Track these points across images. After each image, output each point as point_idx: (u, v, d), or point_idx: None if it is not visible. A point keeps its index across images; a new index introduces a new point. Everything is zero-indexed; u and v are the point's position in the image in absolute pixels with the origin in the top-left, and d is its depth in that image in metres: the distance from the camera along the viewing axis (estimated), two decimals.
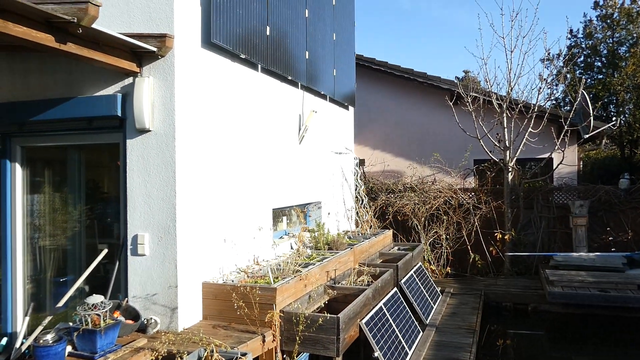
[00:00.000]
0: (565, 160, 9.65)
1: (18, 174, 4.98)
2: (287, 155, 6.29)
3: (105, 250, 4.48)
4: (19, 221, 5.01)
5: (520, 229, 9.59)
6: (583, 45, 17.97)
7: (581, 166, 11.73)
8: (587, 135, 9.59)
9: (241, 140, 5.21)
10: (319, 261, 5.56)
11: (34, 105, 4.55)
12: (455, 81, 11.30)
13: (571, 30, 18.46)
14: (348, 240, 7.16)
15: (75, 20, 3.31)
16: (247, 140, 5.32)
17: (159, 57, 4.21)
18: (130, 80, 4.31)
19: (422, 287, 7.33)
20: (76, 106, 4.41)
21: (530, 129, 9.27)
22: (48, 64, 4.58)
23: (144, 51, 4.14)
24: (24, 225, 5.04)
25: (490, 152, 9.50)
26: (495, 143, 9.53)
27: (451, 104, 10.10)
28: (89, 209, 5.01)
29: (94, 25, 3.44)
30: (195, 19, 4.48)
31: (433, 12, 52.32)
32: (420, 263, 8.23)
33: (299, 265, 5.22)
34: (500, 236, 9.23)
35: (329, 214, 7.71)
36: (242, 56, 5.08)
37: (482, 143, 9.48)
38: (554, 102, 17.47)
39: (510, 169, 9.47)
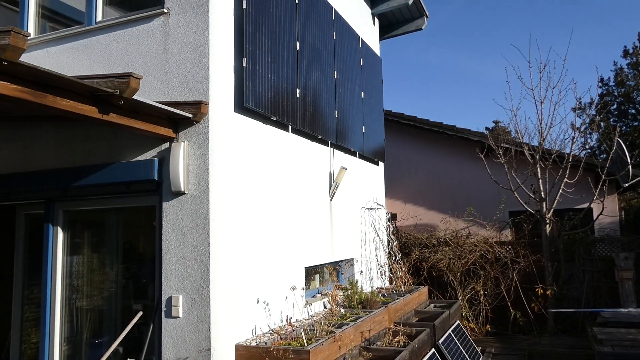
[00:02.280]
0: (606, 211, 9.35)
1: (59, 237, 5.15)
2: (318, 212, 6.32)
3: (141, 313, 4.52)
4: (58, 282, 5.13)
5: (562, 283, 9.20)
6: (615, 93, 17.79)
7: (623, 216, 11.32)
8: (627, 184, 9.31)
9: (273, 199, 5.28)
10: (352, 321, 5.44)
11: (77, 171, 4.76)
12: (485, 132, 11.29)
13: (602, 79, 18.38)
14: (382, 298, 7.01)
15: (118, 93, 3.52)
16: (279, 199, 5.39)
17: (195, 122, 4.39)
18: (166, 145, 4.48)
19: (461, 348, 7.03)
20: (116, 171, 4.60)
21: (565, 179, 9.08)
22: (91, 132, 4.83)
23: (180, 117, 4.33)
24: (63, 287, 5.16)
25: (525, 203, 9.31)
26: (530, 195, 9.34)
27: (482, 156, 10.04)
28: (125, 270, 5.10)
29: (134, 96, 3.64)
30: (229, 85, 4.68)
31: (460, 66, 53.06)
32: (458, 321, 7.93)
33: (333, 326, 5.12)
34: (542, 291, 8.85)
35: (361, 272, 7.60)
36: (274, 118, 5.24)
37: (516, 195, 9.31)
38: (589, 151, 17.15)
39: (547, 221, 9.22)
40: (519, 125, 9.86)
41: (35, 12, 5.70)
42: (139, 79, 3.56)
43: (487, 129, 26.12)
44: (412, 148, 12.22)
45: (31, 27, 5.61)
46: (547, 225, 9.23)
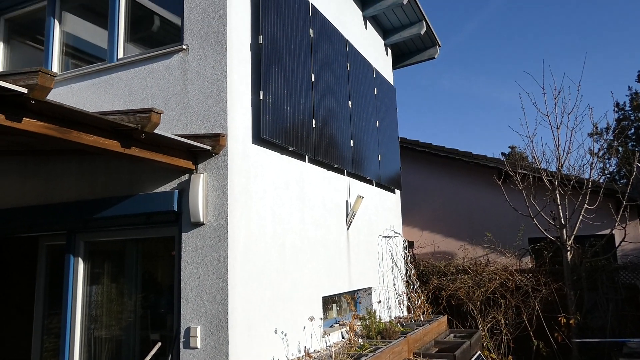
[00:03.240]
0: (628, 237, 9.15)
1: (80, 267, 5.22)
2: (335, 241, 6.32)
3: (159, 344, 4.53)
4: (78, 312, 5.18)
5: (585, 312, 8.96)
6: (632, 118, 17.64)
7: None
8: None
9: (291, 228, 5.31)
10: (371, 352, 5.37)
11: (98, 203, 4.86)
12: (502, 158, 11.24)
13: (617, 104, 18.27)
14: (401, 328, 6.90)
15: (140, 127, 3.62)
16: (296, 229, 5.41)
17: (213, 154, 4.47)
18: (186, 177, 4.57)
19: None
20: (136, 203, 4.69)
21: (586, 205, 8.95)
22: (112, 165, 4.95)
23: (200, 150, 4.42)
24: (83, 317, 5.20)
25: (545, 230, 9.17)
26: (550, 221, 9.21)
27: (499, 182, 9.98)
28: (144, 300, 5.13)
29: (155, 130, 3.74)
30: (246, 117, 4.78)
31: (474, 92, 53.24)
32: (479, 351, 7.75)
33: (351, 357, 5.05)
34: (565, 321, 8.63)
35: (379, 301, 7.53)
36: (290, 149, 5.31)
37: (535, 221, 9.19)
38: (608, 176, 16.92)
39: (568, 248, 9.05)
40: (536, 151, 9.78)
41: (60, 50, 5.93)
42: (160, 113, 3.66)
43: (503, 154, 26.01)
44: (428, 175, 12.20)
45: (55, 64, 5.82)
46: (568, 253, 9.06)
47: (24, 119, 3.10)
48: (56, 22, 5.90)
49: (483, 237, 10.44)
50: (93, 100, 5.28)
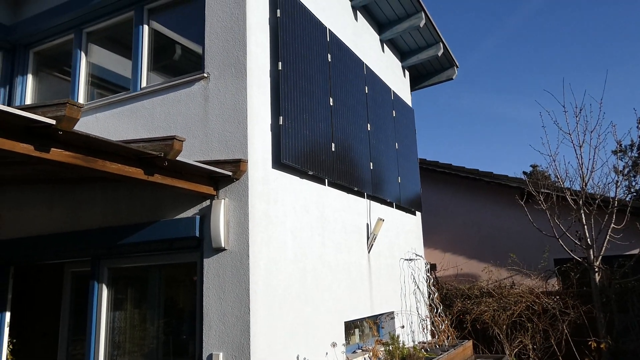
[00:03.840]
0: None
1: (104, 293, 5.27)
2: (357, 265, 6.27)
3: None
4: (102, 338, 5.21)
5: (616, 335, 8.66)
6: None
7: None
8: None
9: (311, 253, 5.29)
10: None
11: (122, 229, 4.93)
12: (524, 178, 11.09)
13: None
14: (425, 353, 6.76)
15: (162, 155, 3.69)
16: (317, 253, 5.40)
17: (234, 180, 4.52)
18: (207, 202, 4.61)
19: None
20: (159, 229, 4.74)
21: (612, 225, 8.74)
22: (136, 192, 5.03)
23: (221, 175, 4.47)
24: (106, 342, 5.23)
25: (571, 251, 8.96)
26: (576, 242, 9.00)
27: (522, 202, 9.82)
28: (166, 326, 5.14)
29: (177, 157, 3.80)
30: (266, 142, 4.83)
31: (493, 110, 52.93)
32: None
33: None
34: (596, 345, 8.35)
35: (402, 326, 7.40)
36: (310, 173, 5.34)
37: (561, 242, 8.99)
38: (635, 194, 16.53)
39: (596, 269, 8.81)
40: (559, 169, 9.63)
41: (85, 80, 6.11)
42: (182, 141, 3.73)
43: (524, 173, 25.65)
44: (448, 196, 12.09)
45: (82, 95, 5.99)
46: (597, 274, 8.82)
47: (52, 149, 3.18)
48: (82, 54, 6.10)
49: (507, 258, 10.24)
50: (117, 129, 5.40)
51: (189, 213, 4.70)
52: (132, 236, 4.86)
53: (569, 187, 9.47)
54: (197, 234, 4.53)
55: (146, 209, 4.94)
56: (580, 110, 9.40)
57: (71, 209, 5.50)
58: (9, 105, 6.43)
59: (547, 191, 9.53)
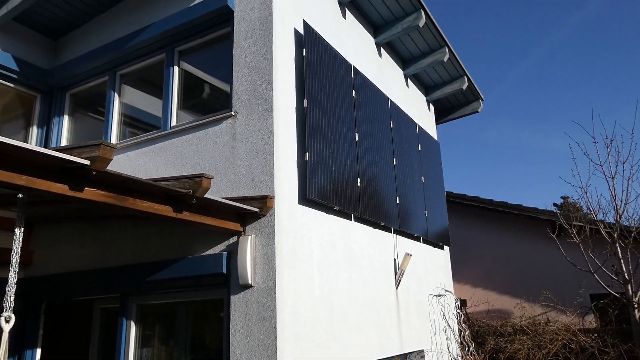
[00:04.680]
0: None
1: (132, 330, 5.29)
2: (384, 301, 6.16)
3: None
4: None
5: None
6: None
7: None
8: None
9: (338, 289, 5.23)
10: None
11: (151, 266, 4.99)
12: (555, 210, 10.84)
13: None
14: None
15: (191, 193, 3.75)
16: (344, 289, 5.33)
17: (261, 216, 4.54)
18: (234, 238, 4.64)
19: None
20: (187, 266, 4.77)
21: None
22: (164, 229, 5.10)
23: (248, 212, 4.51)
24: None
25: (608, 286, 8.61)
26: (612, 276, 8.67)
27: (554, 236, 9.56)
28: None
29: (205, 195, 3.86)
30: (293, 179, 4.87)
31: (520, 142, 52.35)
32: None
33: None
34: None
35: None
36: (336, 208, 5.33)
37: (596, 277, 8.67)
38: None
39: (635, 305, 8.43)
40: (591, 202, 9.38)
41: (118, 120, 6.32)
42: (210, 179, 3.79)
43: (555, 205, 25.07)
44: (477, 230, 11.88)
45: (114, 134, 6.19)
46: (636, 310, 8.43)
47: (86, 188, 3.27)
48: (115, 95, 6.33)
49: (540, 293, 9.91)
50: (147, 166, 5.54)
51: (216, 249, 4.73)
52: (161, 273, 4.90)
53: (603, 219, 9.20)
54: (224, 271, 4.54)
55: (174, 246, 5.00)
56: (611, 141, 9.21)
57: (102, 245, 5.61)
58: (45, 145, 6.68)
59: (580, 224, 9.26)
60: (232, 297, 4.53)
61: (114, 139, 6.17)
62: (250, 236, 4.50)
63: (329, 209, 5.34)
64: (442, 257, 8.61)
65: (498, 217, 11.55)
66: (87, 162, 3.02)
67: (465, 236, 11.68)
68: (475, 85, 9.43)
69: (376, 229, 6.34)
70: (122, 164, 5.68)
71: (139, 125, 6.60)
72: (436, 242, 8.27)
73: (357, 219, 5.91)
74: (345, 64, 6.07)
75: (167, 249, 5.04)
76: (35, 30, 6.90)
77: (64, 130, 6.79)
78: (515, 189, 49.08)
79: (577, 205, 17.51)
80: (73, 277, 5.63)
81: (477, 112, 9.93)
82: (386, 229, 6.61)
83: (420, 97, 9.08)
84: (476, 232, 11.84)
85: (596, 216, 9.22)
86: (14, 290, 3.25)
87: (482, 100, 9.89)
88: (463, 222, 11.83)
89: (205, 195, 3.88)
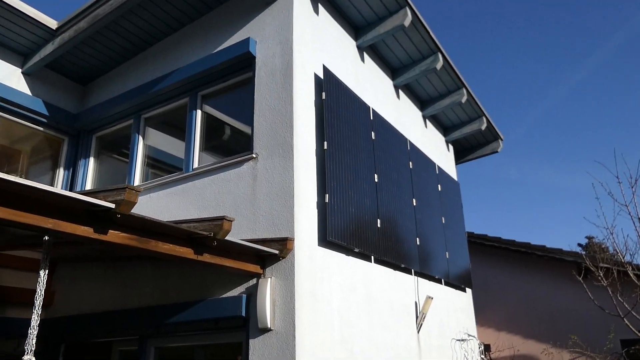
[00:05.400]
0: None
1: None
2: (405, 346, 6.00)
3: None
4: None
5: None
6: None
7: None
8: None
9: (359, 333, 5.12)
10: None
11: (170, 308, 4.97)
12: (580, 251, 10.57)
13: None
14: None
15: (212, 235, 3.78)
16: (364, 333, 5.22)
17: (281, 258, 4.53)
18: (254, 281, 4.62)
19: None
20: (205, 308, 4.74)
21: None
22: (184, 271, 5.11)
23: (267, 254, 4.50)
24: None
25: (638, 331, 8.27)
26: None
27: (580, 278, 9.29)
28: None
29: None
30: (312, 220, 4.87)
31: (542, 181, 51.65)
32: None
33: None
34: None
35: None
36: (356, 250, 5.29)
37: (626, 322, 8.35)
38: None
39: None
40: (617, 243, 9.14)
41: (142, 161, 6.46)
42: (231, 221, 3.82)
43: (580, 245, 24.44)
44: (500, 271, 11.61)
45: (137, 175, 6.31)
46: None
47: (110, 231, 3.32)
48: (140, 137, 6.49)
49: (567, 338, 9.54)
50: (169, 208, 5.60)
51: (235, 292, 4.70)
52: (179, 315, 4.87)
53: (630, 261, 8.92)
54: (243, 314, 4.50)
55: (193, 288, 4.98)
56: (636, 180, 9.03)
57: (122, 286, 5.62)
58: (71, 186, 6.84)
59: (607, 266, 9.00)
60: (250, 340, 4.46)
61: (137, 181, 6.28)
62: (269, 278, 4.47)
63: (348, 251, 5.30)
64: (464, 300, 8.41)
65: (521, 258, 11.29)
66: (113, 206, 3.08)
67: (488, 278, 11.42)
68: (495, 126, 9.44)
69: (397, 271, 6.25)
70: (145, 205, 5.76)
71: (161, 166, 6.73)
72: (458, 284, 8.10)
73: (378, 261, 5.84)
74: (364, 106, 6.16)
75: (186, 290, 5.03)
76: (65, 76, 7.19)
77: (90, 171, 6.95)
78: (537, 229, 48.09)
79: (603, 246, 17.04)
80: (93, 319, 5.63)
81: (497, 152, 9.89)
82: (407, 270, 6.51)
83: (439, 138, 9.10)
84: (499, 274, 11.57)
85: (623, 258, 8.96)
86: (36, 332, 3.27)
87: (502, 140, 9.87)
88: (485, 264, 11.59)
89: (227, 238, 3.90)
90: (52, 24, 6.32)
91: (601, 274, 8.76)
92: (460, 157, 10.12)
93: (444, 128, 9.35)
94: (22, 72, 6.69)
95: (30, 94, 6.70)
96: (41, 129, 6.85)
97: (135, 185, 6.24)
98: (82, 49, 6.72)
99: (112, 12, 5.82)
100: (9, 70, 6.56)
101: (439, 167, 8.28)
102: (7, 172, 6.55)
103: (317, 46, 5.69)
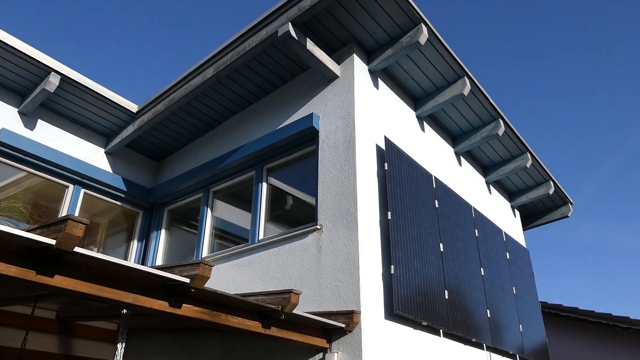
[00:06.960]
0: None
1: None
2: None
3: None
4: None
5: None
6: None
7: None
8: None
9: None
10: None
11: None
12: None
13: None
14: None
15: (280, 308, 3.80)
16: None
17: (347, 332, 4.45)
18: (320, 355, 4.53)
19: None
20: None
21: None
22: (249, 344, 5.11)
23: (333, 328, 4.44)
24: None
25: None
26: None
27: None
28: None
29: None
30: (378, 293, 4.79)
31: (618, 242, 48.23)
32: None
33: None
34: None
35: None
36: (424, 323, 5.11)
37: None
38: None
39: None
40: None
41: (210, 233, 6.69)
42: (299, 294, 3.84)
43: None
44: (576, 344, 10.71)
45: (205, 247, 6.53)
46: None
47: (183, 305, 3.43)
48: (208, 210, 6.77)
49: None
50: (235, 279, 5.71)
51: None
52: None
53: None
54: None
55: None
56: None
57: (189, 357, 5.67)
58: (143, 258, 7.16)
59: None
60: None
61: (205, 252, 6.49)
62: (336, 353, 4.38)
63: (416, 324, 5.12)
64: None
65: (602, 330, 10.41)
66: (187, 280, 3.20)
67: (565, 352, 10.55)
68: (563, 190, 9.09)
69: (467, 346, 5.94)
70: (213, 278, 5.90)
71: (226, 237, 6.93)
72: (534, 359, 7.55)
73: (446, 335, 5.59)
74: (426, 175, 6.16)
75: None
76: (142, 154, 7.75)
77: (161, 243, 7.27)
78: (617, 297, 44.33)
79: None
80: None
81: (567, 216, 9.46)
82: (478, 345, 6.16)
83: (505, 203, 8.85)
84: (576, 347, 10.66)
85: None
86: None
87: (572, 204, 9.46)
88: (561, 336, 10.76)
89: (294, 311, 3.90)
90: (133, 107, 6.91)
91: None
92: (528, 222, 9.75)
93: (509, 193, 9.11)
94: (105, 152, 7.28)
95: (111, 171, 7.24)
96: (119, 203, 7.32)
97: (203, 256, 6.45)
98: (158, 129, 7.25)
99: (186, 95, 6.31)
100: (94, 150, 7.16)
101: (506, 234, 8.00)
102: (87, 245, 6.98)
103: (377, 118, 5.84)
